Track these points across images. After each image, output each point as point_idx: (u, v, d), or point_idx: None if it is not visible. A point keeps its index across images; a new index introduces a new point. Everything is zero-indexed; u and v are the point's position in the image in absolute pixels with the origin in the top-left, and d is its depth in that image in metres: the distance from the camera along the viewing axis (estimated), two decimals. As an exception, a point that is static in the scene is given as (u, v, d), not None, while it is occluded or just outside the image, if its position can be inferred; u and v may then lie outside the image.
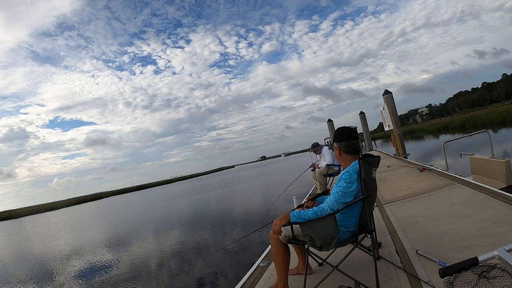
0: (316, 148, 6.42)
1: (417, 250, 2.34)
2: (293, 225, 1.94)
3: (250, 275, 2.77)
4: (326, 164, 6.08)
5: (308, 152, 7.04)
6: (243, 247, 6.23)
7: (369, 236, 2.01)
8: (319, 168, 6.26)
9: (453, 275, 1.59)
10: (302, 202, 2.39)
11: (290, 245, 2.18)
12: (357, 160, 1.91)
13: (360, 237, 2.07)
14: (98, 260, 7.76)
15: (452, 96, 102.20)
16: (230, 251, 6.15)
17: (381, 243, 2.71)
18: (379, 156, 2.05)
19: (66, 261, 8.42)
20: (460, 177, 4.83)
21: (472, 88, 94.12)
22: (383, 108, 12.07)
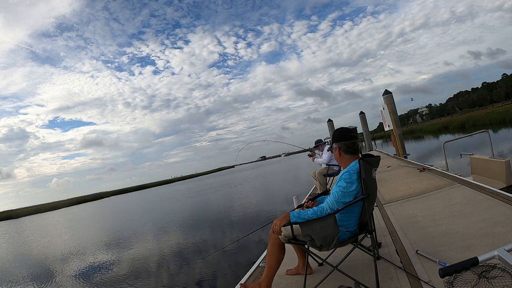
0: (319, 144, 6.49)
1: (417, 250, 2.33)
2: (293, 225, 1.94)
3: (250, 275, 2.77)
4: (326, 164, 6.09)
5: (308, 151, 7.07)
6: (243, 247, 6.23)
7: (369, 236, 2.01)
8: (314, 160, 6.32)
9: (453, 275, 1.59)
10: (302, 202, 2.39)
11: (289, 245, 2.18)
12: (357, 160, 1.91)
13: (360, 237, 2.07)
14: (98, 260, 7.76)
15: (452, 96, 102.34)
16: (230, 251, 6.15)
17: (381, 243, 2.71)
18: (379, 156, 2.05)
19: (66, 261, 8.42)
20: (460, 177, 4.83)
21: (472, 88, 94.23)
22: (383, 108, 12.07)
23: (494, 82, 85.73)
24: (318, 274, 2.42)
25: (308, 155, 6.69)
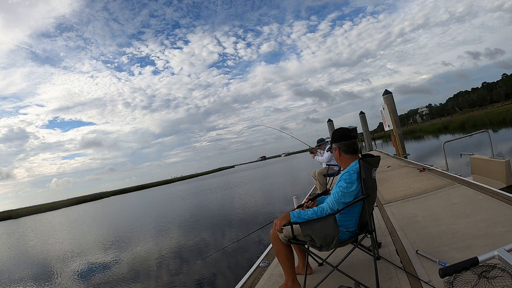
0: (321, 143, 6.49)
1: (417, 250, 2.33)
2: (293, 225, 1.94)
3: (250, 275, 2.77)
4: (326, 164, 6.09)
5: (310, 149, 7.15)
6: (243, 247, 6.23)
7: (369, 236, 2.01)
8: (315, 158, 6.33)
9: (453, 275, 1.59)
10: (302, 202, 2.39)
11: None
12: (357, 160, 1.92)
13: (360, 237, 2.07)
14: (98, 261, 7.76)
15: (451, 96, 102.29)
16: (229, 251, 6.15)
17: (381, 243, 2.71)
18: (379, 156, 2.05)
19: (66, 261, 8.41)
20: (460, 177, 4.82)
21: (472, 88, 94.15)
22: (383, 108, 12.06)
23: (494, 82, 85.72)
24: (318, 274, 2.42)
25: (310, 152, 6.72)
